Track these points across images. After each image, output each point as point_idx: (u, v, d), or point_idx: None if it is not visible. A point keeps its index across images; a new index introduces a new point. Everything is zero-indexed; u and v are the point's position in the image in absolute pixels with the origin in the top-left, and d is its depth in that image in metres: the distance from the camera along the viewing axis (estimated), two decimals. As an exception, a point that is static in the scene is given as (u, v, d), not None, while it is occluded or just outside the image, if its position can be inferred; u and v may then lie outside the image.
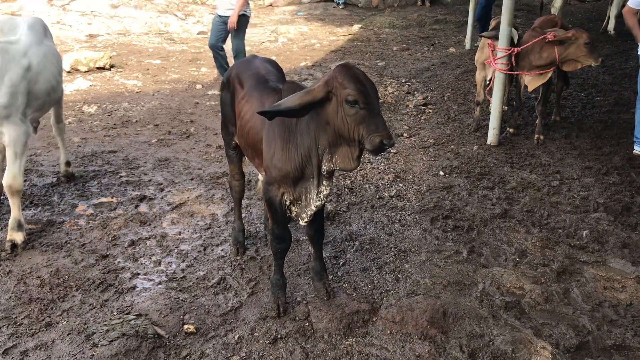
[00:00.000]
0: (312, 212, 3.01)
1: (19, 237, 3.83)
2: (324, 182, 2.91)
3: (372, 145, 2.56)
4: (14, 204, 3.86)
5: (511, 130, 6.19)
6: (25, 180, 4.61)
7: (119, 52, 10.33)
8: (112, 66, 9.11)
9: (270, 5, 15.77)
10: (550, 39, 5.43)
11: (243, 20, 7.79)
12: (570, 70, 5.73)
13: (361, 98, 2.56)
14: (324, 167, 2.83)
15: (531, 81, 5.71)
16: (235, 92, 3.41)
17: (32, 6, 12.89)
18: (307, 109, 2.70)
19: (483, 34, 6.45)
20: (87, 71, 8.76)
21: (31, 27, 4.26)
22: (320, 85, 2.66)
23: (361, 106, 2.56)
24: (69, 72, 8.68)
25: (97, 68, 8.88)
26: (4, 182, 3.83)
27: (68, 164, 4.97)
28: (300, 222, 3.08)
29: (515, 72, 5.79)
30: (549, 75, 5.65)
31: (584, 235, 4.12)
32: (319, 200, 2.94)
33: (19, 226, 3.86)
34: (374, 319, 3.18)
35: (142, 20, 13.12)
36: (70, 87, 7.85)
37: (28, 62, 3.90)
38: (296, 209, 3.07)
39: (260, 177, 3.79)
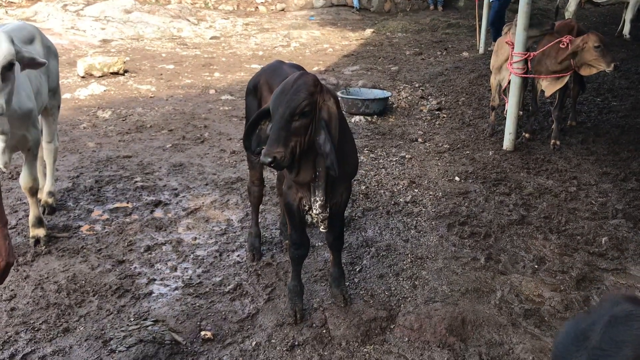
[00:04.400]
0: (321, 220, 2.95)
1: (41, 232, 3.97)
2: (316, 192, 2.87)
3: None
4: (33, 203, 3.96)
5: (527, 135, 6.14)
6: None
7: (133, 57, 10.39)
8: (125, 71, 9.16)
9: (283, 10, 15.80)
10: (563, 46, 5.38)
11: None
12: (587, 75, 5.66)
13: (270, 108, 2.65)
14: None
15: (548, 86, 5.66)
16: (262, 98, 3.40)
17: (47, 12, 13.01)
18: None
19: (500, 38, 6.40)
20: (101, 76, 8.81)
21: (9, 32, 3.97)
22: None
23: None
24: (83, 77, 8.75)
25: (111, 73, 8.93)
26: (25, 184, 3.87)
27: (51, 194, 4.48)
28: (320, 229, 3.06)
29: (533, 76, 5.73)
30: (566, 79, 5.60)
31: (603, 242, 4.06)
32: (314, 209, 2.90)
33: (40, 222, 3.98)
34: (392, 327, 3.15)
35: (155, 26, 13.21)
36: (85, 92, 7.89)
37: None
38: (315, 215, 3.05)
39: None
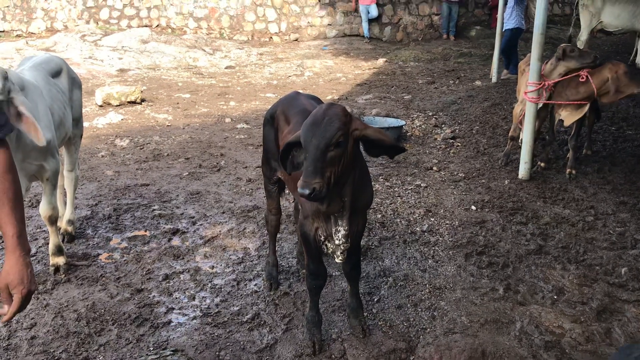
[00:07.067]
0: (342, 251, 2.96)
1: (61, 260, 4.01)
2: (338, 222, 2.88)
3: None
4: (53, 231, 4.00)
5: (542, 164, 6.14)
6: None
7: (149, 86, 10.56)
8: (142, 100, 9.31)
9: (296, 40, 16.03)
10: (582, 80, 5.44)
11: None
12: (609, 102, 5.71)
13: (302, 139, 2.62)
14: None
15: (568, 116, 5.68)
16: (279, 127, 3.45)
17: (66, 42, 13.29)
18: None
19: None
20: (119, 105, 8.96)
21: (38, 64, 4.07)
22: None
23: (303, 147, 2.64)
24: (101, 105, 8.91)
25: (129, 102, 9.09)
26: (44, 214, 3.90)
27: (71, 222, 4.54)
28: (336, 260, 3.06)
29: (554, 102, 5.73)
30: (586, 108, 5.62)
31: (623, 272, 4.03)
32: (337, 239, 2.90)
33: (60, 251, 4.03)
34: (412, 358, 3.13)
35: (171, 55, 13.44)
36: (103, 121, 8.02)
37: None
38: (332, 246, 3.05)
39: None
